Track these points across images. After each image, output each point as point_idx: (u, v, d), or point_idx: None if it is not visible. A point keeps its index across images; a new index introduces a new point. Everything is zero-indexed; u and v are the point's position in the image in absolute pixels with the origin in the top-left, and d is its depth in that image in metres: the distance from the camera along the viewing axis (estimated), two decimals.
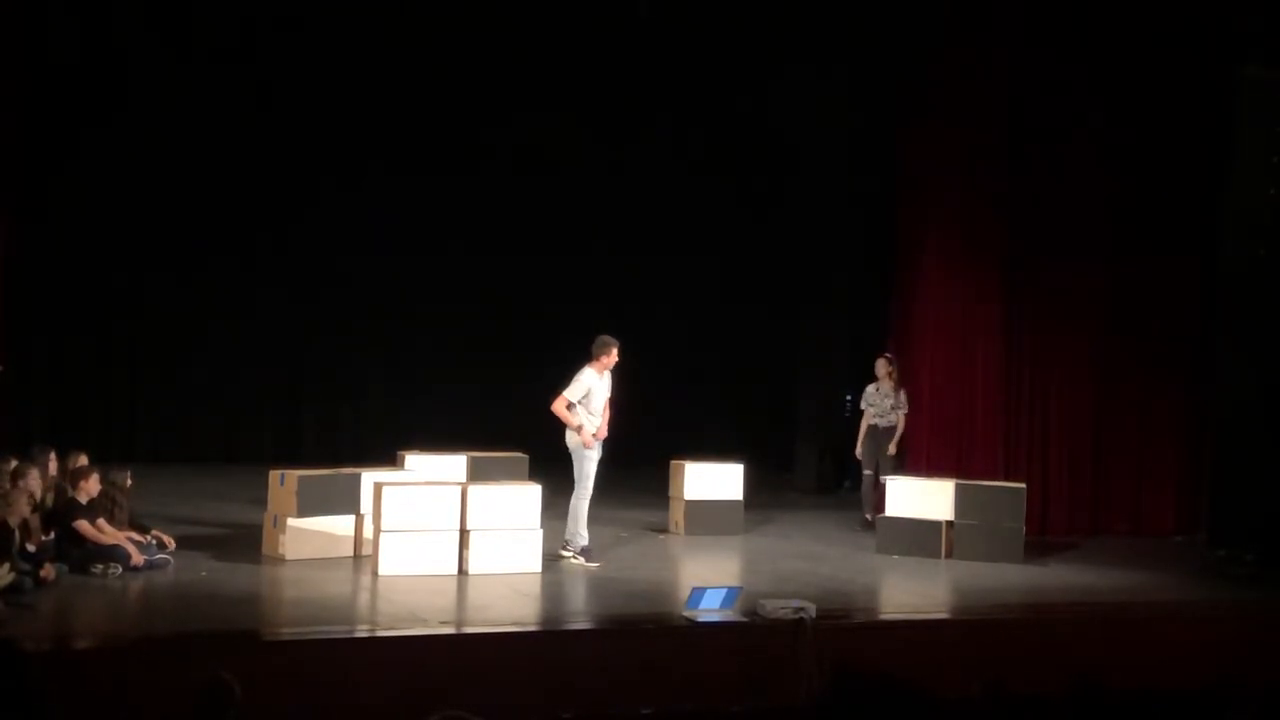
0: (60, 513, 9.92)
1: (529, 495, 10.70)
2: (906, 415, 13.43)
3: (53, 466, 10.47)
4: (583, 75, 16.50)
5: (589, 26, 15.91)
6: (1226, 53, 12.96)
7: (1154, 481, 14.00)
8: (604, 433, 11.27)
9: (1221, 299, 12.97)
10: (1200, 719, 6.23)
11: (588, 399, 11.16)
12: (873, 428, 13.40)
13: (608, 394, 11.34)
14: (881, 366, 13.51)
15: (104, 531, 9.89)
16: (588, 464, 11.20)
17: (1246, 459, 12.32)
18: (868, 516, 13.04)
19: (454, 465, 12.48)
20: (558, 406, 11.13)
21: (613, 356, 11.36)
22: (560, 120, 16.72)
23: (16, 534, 9.19)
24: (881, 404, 13.39)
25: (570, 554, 11.13)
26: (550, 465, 13.08)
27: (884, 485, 12.58)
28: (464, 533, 10.35)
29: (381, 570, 10.10)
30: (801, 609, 8.91)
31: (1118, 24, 13.61)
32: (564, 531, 11.14)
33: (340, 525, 10.81)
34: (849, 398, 16.84)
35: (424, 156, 16.51)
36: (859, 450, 13.50)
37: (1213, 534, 12.80)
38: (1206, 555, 12.47)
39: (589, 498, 11.24)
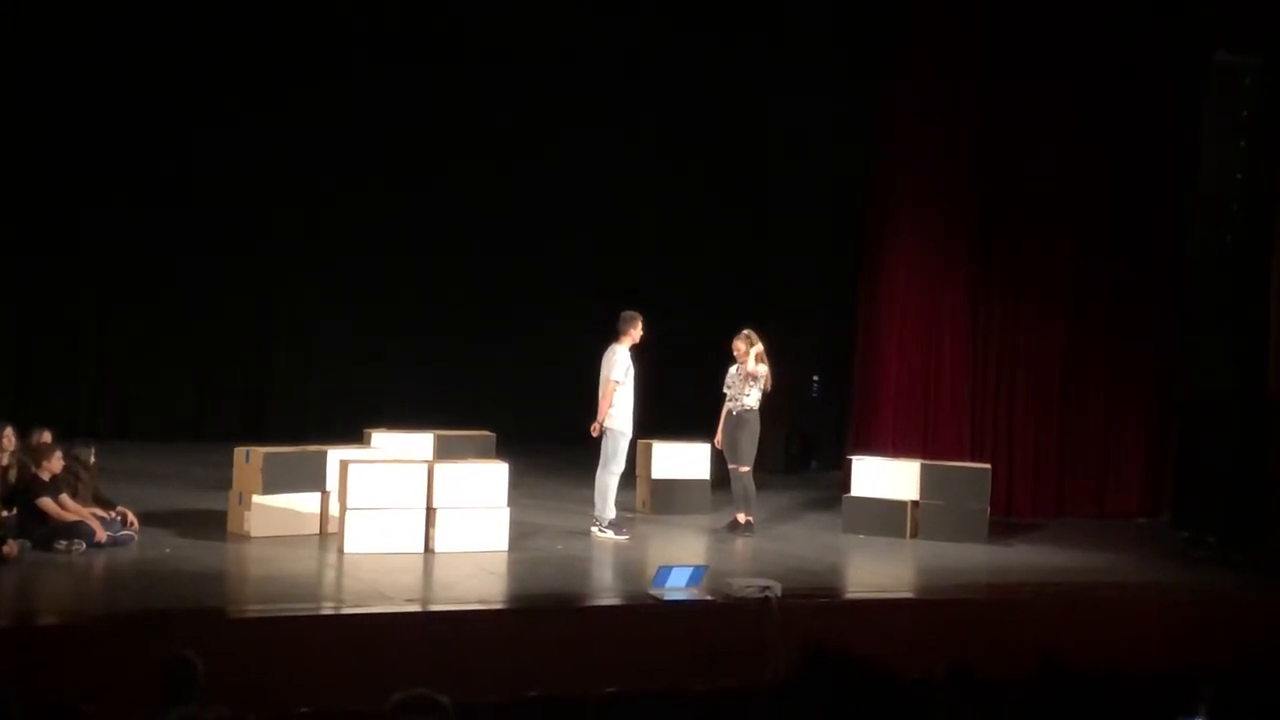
0: (23, 490, 9.84)
1: (496, 473, 10.68)
2: (767, 373, 11.80)
3: (10, 442, 10.33)
4: (560, 65, 16.44)
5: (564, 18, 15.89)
6: (1195, 38, 13.01)
7: (1118, 464, 14.12)
8: (603, 417, 11.35)
9: (1188, 283, 13.04)
10: (1163, 700, 6.27)
11: (628, 376, 11.33)
12: (728, 414, 11.99)
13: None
14: (737, 345, 11.88)
15: (67, 508, 9.83)
16: (621, 442, 11.37)
17: (1210, 442, 12.41)
18: (738, 518, 11.82)
19: (421, 443, 12.44)
20: (608, 391, 11.28)
21: (639, 330, 11.46)
22: (533, 107, 16.66)
23: None
24: (738, 387, 11.93)
25: (599, 529, 11.30)
26: (517, 444, 13.09)
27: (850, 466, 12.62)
28: (430, 511, 10.33)
29: (347, 548, 10.07)
30: (767, 588, 8.94)
31: (1088, 9, 13.65)
32: (592, 508, 11.44)
33: (306, 503, 10.77)
34: (815, 379, 16.89)
35: (396, 139, 16.43)
36: (718, 439, 12.16)
37: (1176, 516, 12.90)
38: (1170, 537, 12.56)
39: (619, 475, 11.40)
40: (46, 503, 9.73)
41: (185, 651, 5.60)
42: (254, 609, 8.66)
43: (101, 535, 9.77)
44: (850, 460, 12.81)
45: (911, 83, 13.88)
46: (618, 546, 11.17)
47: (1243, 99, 12.28)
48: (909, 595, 10.49)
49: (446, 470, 10.54)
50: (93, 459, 10.58)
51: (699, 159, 16.94)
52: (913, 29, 13.92)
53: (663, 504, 12.79)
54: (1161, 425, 13.97)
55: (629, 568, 10.47)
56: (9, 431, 10.29)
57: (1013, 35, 13.75)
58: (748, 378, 11.81)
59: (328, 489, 10.80)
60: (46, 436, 10.41)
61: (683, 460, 12.97)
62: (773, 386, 11.99)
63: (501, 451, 12.37)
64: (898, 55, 14.06)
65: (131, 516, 10.33)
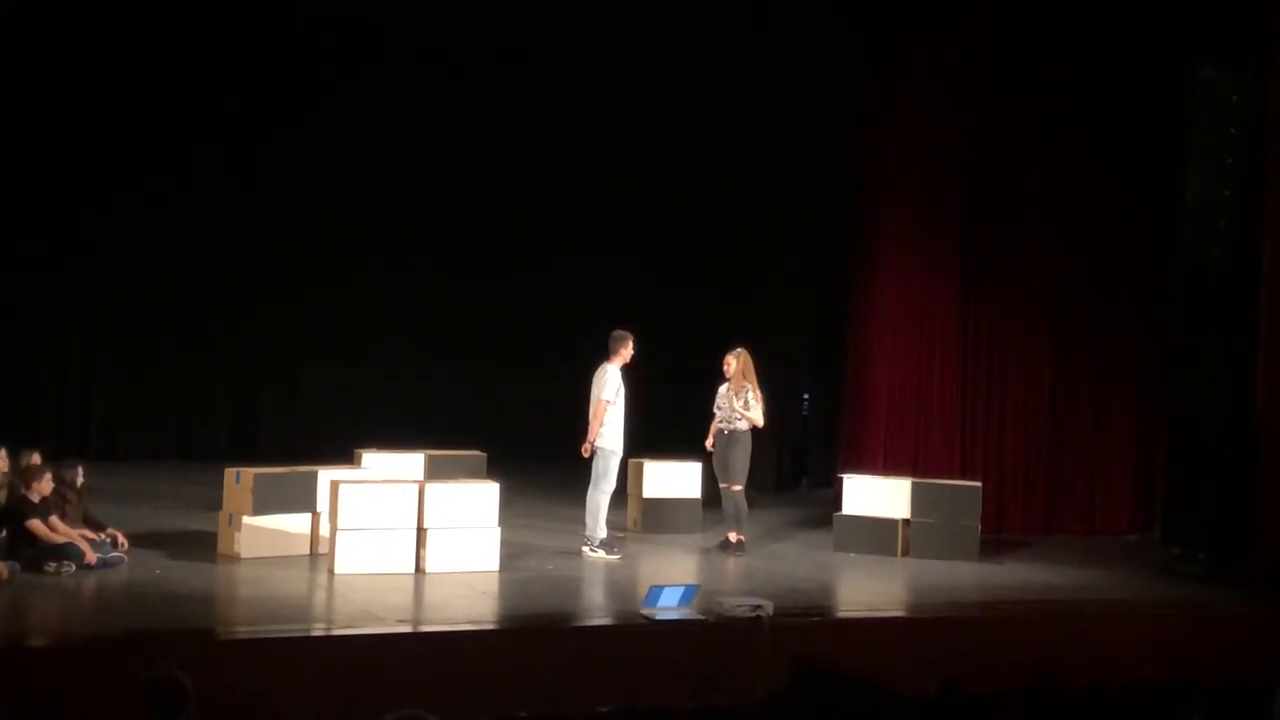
0: (12, 512, 9.82)
1: (487, 493, 10.68)
2: (762, 413, 11.89)
3: (3, 464, 10.34)
4: (544, 72, 16.47)
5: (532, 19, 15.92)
6: (1181, 55, 13.07)
7: (1108, 480, 14.11)
8: (593, 436, 11.34)
9: (1175, 299, 13.07)
10: (1152, 716, 6.28)
11: (619, 395, 11.33)
12: (719, 433, 11.99)
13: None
14: (729, 361, 11.96)
15: (57, 530, 9.80)
16: (612, 461, 11.37)
17: (1199, 458, 12.42)
18: (730, 537, 11.83)
19: (411, 463, 12.43)
20: (599, 410, 11.28)
21: (630, 349, 11.46)
22: (523, 126, 16.69)
23: None
24: (728, 408, 11.91)
25: (590, 548, 11.29)
26: (508, 463, 13.08)
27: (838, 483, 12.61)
28: (421, 531, 10.31)
29: (338, 569, 10.05)
30: (759, 607, 8.93)
31: (1075, 24, 13.70)
32: (583, 528, 11.41)
33: (296, 523, 10.75)
34: (806, 396, 16.90)
35: (386, 158, 16.45)
36: (709, 442, 12.06)
37: (1166, 532, 12.90)
38: (1160, 553, 12.56)
39: (610, 494, 11.40)
40: (36, 524, 9.70)
41: (175, 672, 5.57)
42: (244, 630, 8.64)
43: (91, 557, 9.74)
44: (841, 478, 12.81)
45: (899, 99, 13.90)
46: (609, 566, 11.15)
47: (1230, 115, 12.32)
48: (900, 613, 10.48)
49: (437, 490, 10.53)
50: (79, 479, 10.53)
51: (689, 178, 16.94)
52: (900, 43, 13.96)
53: (654, 523, 12.79)
54: (1150, 441, 13.98)
55: (620, 587, 10.46)
56: (2, 454, 10.29)
57: (1001, 50, 13.77)
58: (738, 395, 11.82)
59: (318, 509, 10.78)
60: (36, 458, 10.39)
61: (674, 479, 12.98)
62: (763, 403, 12.01)
63: (492, 471, 12.36)
64: (886, 69, 14.08)
65: (121, 538, 10.32)
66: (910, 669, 7.83)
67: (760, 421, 11.93)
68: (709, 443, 12.11)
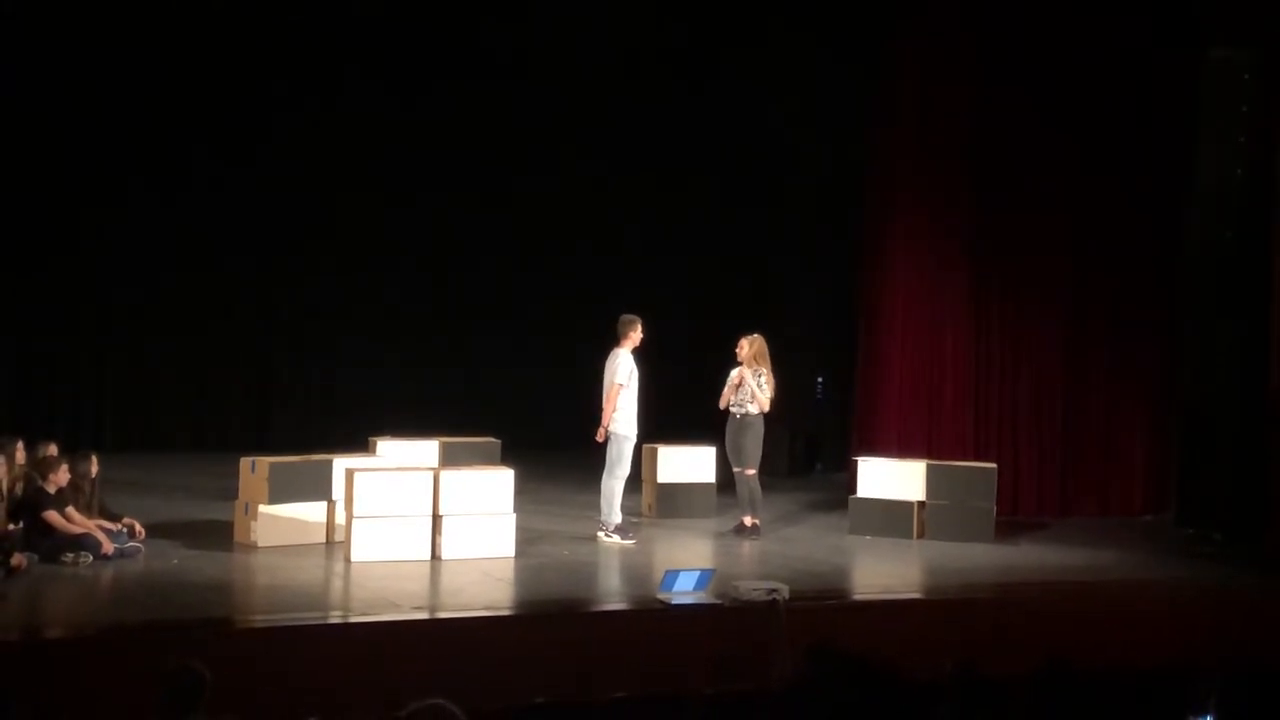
0: (29, 503, 9.85)
1: (502, 480, 10.69)
2: (770, 397, 11.87)
3: (21, 456, 10.39)
4: (555, 69, 16.45)
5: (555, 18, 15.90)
6: (1190, 34, 13.00)
7: (1122, 462, 14.08)
8: (607, 421, 11.34)
9: (1188, 280, 13.03)
10: (1171, 697, 6.27)
11: (631, 379, 11.33)
12: (731, 417, 12.00)
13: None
14: (742, 347, 11.97)
15: (73, 521, 9.84)
16: (626, 446, 11.38)
17: (1213, 439, 12.39)
18: (744, 521, 11.86)
19: (426, 450, 12.46)
20: (612, 394, 11.29)
21: (639, 332, 11.47)
22: (529, 111, 16.68)
23: None
24: (740, 392, 11.93)
25: (605, 534, 11.31)
26: (523, 450, 13.10)
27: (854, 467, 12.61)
28: (437, 518, 10.34)
29: (354, 556, 10.08)
30: (774, 590, 8.94)
31: (1081, 12, 13.63)
32: (598, 513, 11.43)
33: (312, 512, 10.78)
34: (820, 380, 16.89)
35: (393, 146, 16.45)
36: (723, 400, 12.02)
37: (1181, 513, 12.87)
38: (1175, 535, 12.55)
39: (624, 479, 11.41)
40: (52, 515, 9.74)
41: (193, 662, 5.60)
42: (261, 619, 8.67)
43: (108, 547, 9.78)
44: (855, 461, 12.80)
45: (906, 85, 13.87)
46: (624, 551, 11.17)
47: (1241, 93, 12.25)
48: (916, 596, 10.48)
49: (452, 477, 10.55)
50: (93, 469, 10.51)
51: (699, 161, 16.93)
52: (906, 31, 13.92)
53: (668, 508, 12.79)
54: (1164, 422, 13.93)
55: (636, 572, 10.47)
56: (19, 446, 10.32)
57: (1008, 35, 13.73)
58: (741, 387, 11.84)
59: (334, 498, 10.80)
60: (53, 449, 10.41)
61: (688, 464, 12.98)
62: (776, 391, 12.00)
63: (506, 457, 12.38)
64: (892, 55, 14.06)
65: (138, 528, 10.35)
66: (926, 651, 7.84)
67: (767, 405, 11.90)
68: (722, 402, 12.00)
